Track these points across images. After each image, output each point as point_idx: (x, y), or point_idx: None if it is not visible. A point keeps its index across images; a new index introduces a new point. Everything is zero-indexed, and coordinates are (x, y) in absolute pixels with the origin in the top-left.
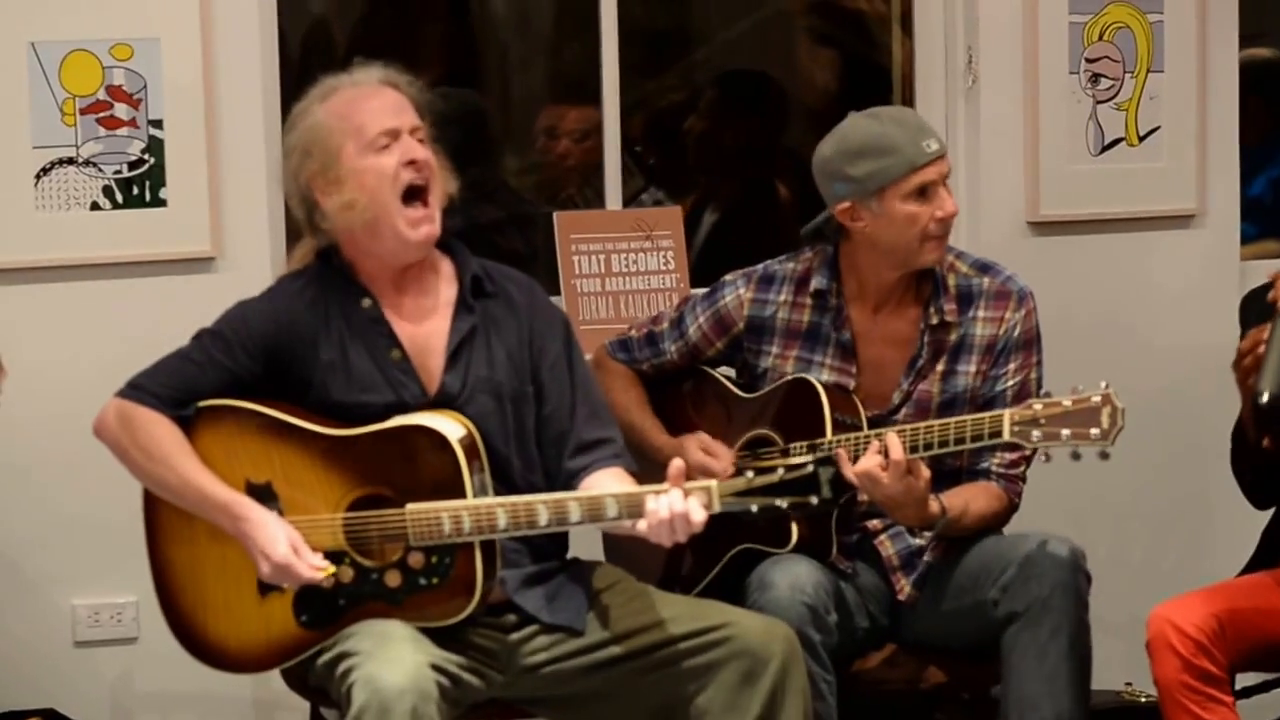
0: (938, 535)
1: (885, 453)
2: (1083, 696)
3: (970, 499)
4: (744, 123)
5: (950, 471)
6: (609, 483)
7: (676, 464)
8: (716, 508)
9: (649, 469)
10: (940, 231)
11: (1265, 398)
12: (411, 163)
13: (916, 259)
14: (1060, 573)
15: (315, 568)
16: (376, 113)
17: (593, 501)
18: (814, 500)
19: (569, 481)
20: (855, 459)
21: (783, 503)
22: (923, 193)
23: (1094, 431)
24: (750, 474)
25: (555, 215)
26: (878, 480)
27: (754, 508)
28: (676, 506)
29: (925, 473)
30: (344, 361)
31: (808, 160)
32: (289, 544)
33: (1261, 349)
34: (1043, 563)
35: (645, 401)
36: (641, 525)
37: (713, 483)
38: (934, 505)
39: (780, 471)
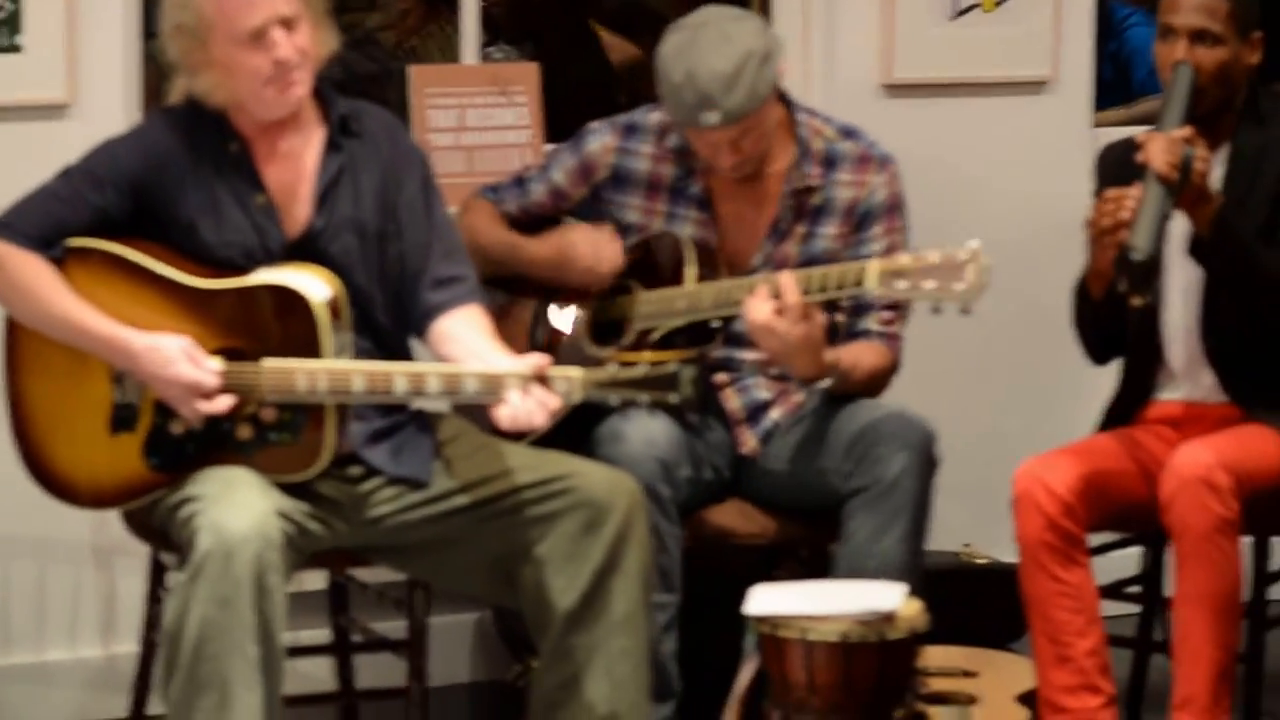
0: (831, 390)
1: (778, 296)
2: (914, 574)
3: (860, 354)
4: None
5: (827, 333)
6: (465, 329)
7: (538, 361)
8: (577, 397)
9: (526, 288)
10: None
11: (1139, 255)
12: (278, 62)
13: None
14: (910, 456)
15: (212, 372)
16: (245, 7)
17: (451, 378)
18: (673, 398)
19: (426, 317)
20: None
21: (644, 398)
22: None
23: (958, 286)
24: (614, 366)
25: (410, 69)
26: (774, 329)
27: (614, 400)
28: (520, 417)
29: (820, 317)
30: (211, 203)
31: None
32: (186, 356)
33: (1127, 210)
34: (894, 442)
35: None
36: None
37: (576, 371)
38: (829, 355)
39: (644, 367)
